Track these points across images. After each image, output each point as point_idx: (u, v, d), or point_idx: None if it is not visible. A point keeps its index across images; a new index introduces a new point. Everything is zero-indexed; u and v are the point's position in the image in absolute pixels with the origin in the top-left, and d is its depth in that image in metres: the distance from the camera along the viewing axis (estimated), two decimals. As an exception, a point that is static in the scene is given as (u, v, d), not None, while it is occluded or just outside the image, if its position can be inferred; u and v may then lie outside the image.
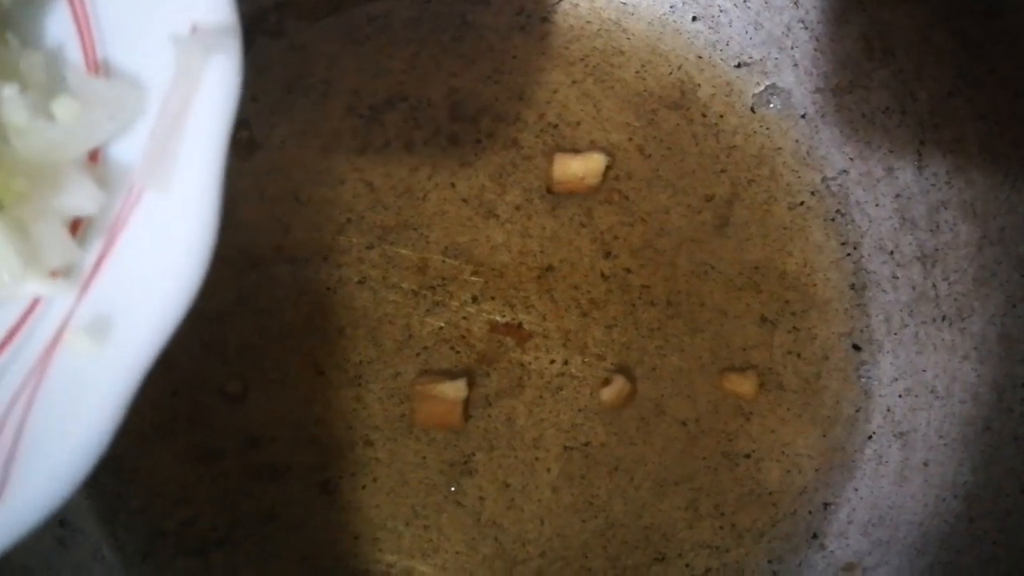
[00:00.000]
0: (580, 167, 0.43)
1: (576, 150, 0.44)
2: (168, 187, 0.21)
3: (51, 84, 0.23)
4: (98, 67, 0.23)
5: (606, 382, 0.42)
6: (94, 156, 0.23)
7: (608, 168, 0.43)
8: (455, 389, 0.41)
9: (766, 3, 0.44)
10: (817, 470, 0.43)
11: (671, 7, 0.45)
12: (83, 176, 0.22)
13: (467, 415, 0.42)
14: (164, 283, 0.20)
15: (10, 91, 0.22)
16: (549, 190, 0.44)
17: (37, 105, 0.22)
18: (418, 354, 0.42)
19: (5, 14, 0.23)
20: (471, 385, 0.42)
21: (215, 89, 0.20)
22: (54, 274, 0.22)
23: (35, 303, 0.23)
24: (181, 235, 0.20)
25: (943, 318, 0.42)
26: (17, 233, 0.22)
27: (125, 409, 0.20)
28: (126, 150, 0.22)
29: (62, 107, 0.22)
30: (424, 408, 0.41)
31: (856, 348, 0.44)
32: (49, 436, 0.20)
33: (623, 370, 0.42)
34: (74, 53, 0.23)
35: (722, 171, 0.44)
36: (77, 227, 0.23)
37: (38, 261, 0.22)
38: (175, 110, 0.21)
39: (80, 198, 0.22)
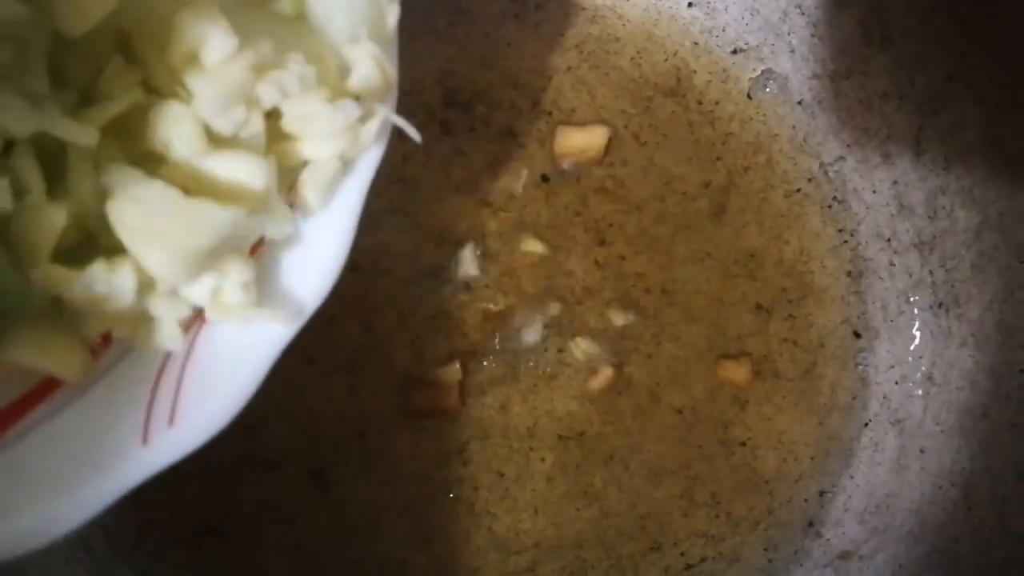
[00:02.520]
0: (582, 139, 0.43)
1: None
2: (322, 208, 0.25)
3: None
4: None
5: (593, 373, 0.42)
6: None
7: (606, 147, 0.43)
8: (449, 373, 0.41)
9: (762, -12, 0.43)
10: (813, 458, 0.43)
11: (667, -8, 0.44)
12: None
13: (463, 400, 0.41)
14: (308, 277, 0.25)
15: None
16: (544, 177, 0.43)
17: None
18: (411, 342, 0.41)
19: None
20: (465, 372, 0.41)
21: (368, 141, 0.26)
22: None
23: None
24: (325, 244, 0.25)
25: (940, 305, 0.42)
26: None
27: (271, 365, 0.24)
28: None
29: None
30: (420, 394, 0.41)
31: (854, 335, 0.43)
32: (206, 383, 0.24)
33: (618, 357, 0.42)
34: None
35: (718, 158, 0.44)
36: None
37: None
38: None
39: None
